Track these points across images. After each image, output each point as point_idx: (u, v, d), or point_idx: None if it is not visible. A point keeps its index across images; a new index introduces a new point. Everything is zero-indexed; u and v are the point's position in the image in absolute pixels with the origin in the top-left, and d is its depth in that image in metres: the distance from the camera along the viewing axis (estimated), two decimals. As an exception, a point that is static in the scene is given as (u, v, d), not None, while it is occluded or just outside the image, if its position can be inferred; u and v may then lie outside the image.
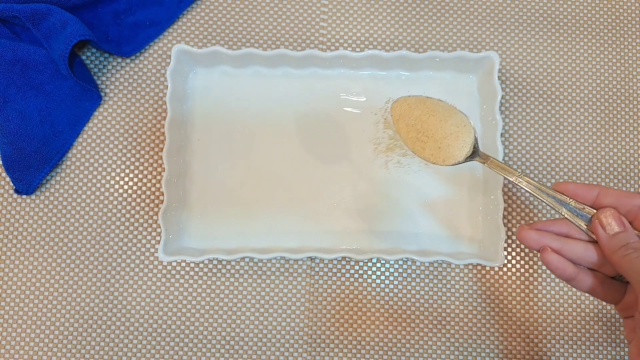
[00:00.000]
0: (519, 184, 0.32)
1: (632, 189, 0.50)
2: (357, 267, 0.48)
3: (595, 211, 0.30)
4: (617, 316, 0.48)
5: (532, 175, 0.49)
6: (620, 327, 0.48)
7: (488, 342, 0.47)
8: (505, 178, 0.33)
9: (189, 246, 0.47)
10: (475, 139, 0.35)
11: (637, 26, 0.53)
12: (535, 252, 0.49)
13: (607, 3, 0.53)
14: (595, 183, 0.25)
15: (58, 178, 0.48)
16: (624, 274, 0.28)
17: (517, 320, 0.48)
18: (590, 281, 0.31)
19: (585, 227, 0.30)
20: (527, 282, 0.48)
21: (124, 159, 0.49)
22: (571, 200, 0.31)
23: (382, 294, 0.48)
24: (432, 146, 0.35)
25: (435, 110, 0.36)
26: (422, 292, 0.48)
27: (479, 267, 0.48)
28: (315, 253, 0.45)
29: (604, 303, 0.48)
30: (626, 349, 0.48)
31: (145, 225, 0.48)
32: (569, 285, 0.48)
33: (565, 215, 0.31)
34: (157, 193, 0.49)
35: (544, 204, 0.31)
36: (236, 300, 0.47)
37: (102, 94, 0.50)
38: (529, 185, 0.32)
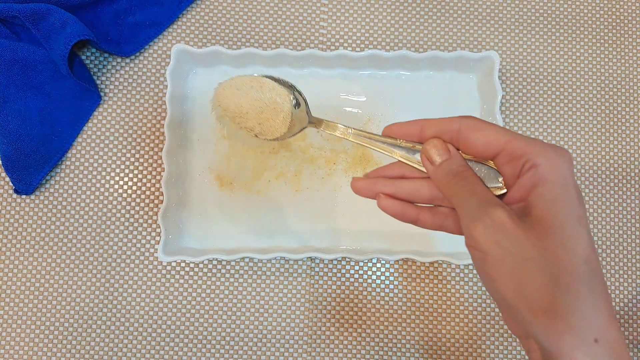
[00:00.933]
0: (349, 138, 0.31)
1: (632, 189, 0.50)
2: (357, 267, 0.48)
3: (422, 145, 0.29)
4: (617, 316, 0.48)
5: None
6: (621, 327, 0.48)
7: (488, 342, 0.47)
8: (338, 137, 0.32)
9: (189, 246, 0.47)
10: (303, 106, 0.34)
11: (637, 26, 0.52)
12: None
13: (607, 3, 0.53)
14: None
15: (58, 178, 0.48)
16: (451, 203, 0.27)
17: (517, 320, 0.48)
18: (435, 218, 0.29)
19: (417, 164, 0.29)
20: (527, 282, 0.48)
21: (123, 159, 0.49)
22: (401, 141, 0.29)
23: (382, 294, 0.48)
24: (253, 123, 0.35)
25: (247, 89, 0.35)
26: (422, 292, 0.48)
27: (479, 267, 0.48)
28: (315, 253, 0.45)
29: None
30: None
31: (145, 225, 0.48)
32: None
33: (399, 158, 0.29)
34: (157, 193, 0.49)
35: (379, 153, 0.30)
36: (236, 301, 0.47)
37: (102, 94, 0.50)
38: (359, 137, 0.31)
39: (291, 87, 0.35)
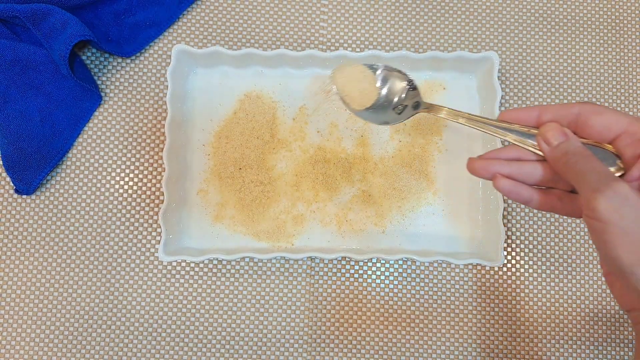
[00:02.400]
0: (466, 124, 0.33)
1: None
2: (357, 267, 0.48)
3: (538, 129, 0.30)
4: (618, 316, 0.48)
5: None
6: (620, 327, 0.48)
7: (488, 342, 0.48)
8: (450, 121, 0.34)
9: (189, 246, 0.47)
10: (408, 89, 0.37)
11: (637, 26, 0.53)
12: (535, 253, 0.49)
13: (607, 3, 0.53)
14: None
15: (58, 178, 0.49)
16: (569, 181, 0.28)
17: (517, 320, 0.48)
18: (548, 200, 0.31)
19: (533, 147, 0.30)
20: (527, 282, 0.48)
21: (124, 159, 0.49)
22: (515, 125, 0.31)
23: (382, 294, 0.48)
24: (355, 99, 0.38)
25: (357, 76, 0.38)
26: (422, 292, 0.48)
27: (478, 267, 0.48)
28: (315, 253, 0.45)
29: (604, 303, 0.48)
30: (626, 349, 0.48)
31: (145, 225, 0.48)
32: (568, 285, 0.48)
33: (512, 141, 0.31)
34: (157, 193, 0.49)
35: (492, 136, 0.31)
36: (236, 300, 0.48)
37: (103, 94, 0.50)
38: (473, 122, 0.32)
39: (404, 76, 0.38)
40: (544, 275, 0.48)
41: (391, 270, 0.48)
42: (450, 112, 0.34)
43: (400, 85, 0.37)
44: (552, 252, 0.49)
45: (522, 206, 0.49)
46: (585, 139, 0.29)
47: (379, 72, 0.38)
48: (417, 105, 0.37)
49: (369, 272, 0.48)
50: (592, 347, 0.48)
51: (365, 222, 0.48)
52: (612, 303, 0.48)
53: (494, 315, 0.48)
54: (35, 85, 0.47)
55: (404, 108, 0.37)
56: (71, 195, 0.48)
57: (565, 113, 0.29)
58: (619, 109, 0.51)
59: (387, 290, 0.48)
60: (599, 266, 0.49)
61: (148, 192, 0.49)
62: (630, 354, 0.48)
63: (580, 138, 0.29)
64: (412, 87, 0.37)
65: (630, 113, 0.51)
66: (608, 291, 0.49)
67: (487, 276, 0.48)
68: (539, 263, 0.49)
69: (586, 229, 0.49)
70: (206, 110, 0.49)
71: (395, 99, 0.37)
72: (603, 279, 0.49)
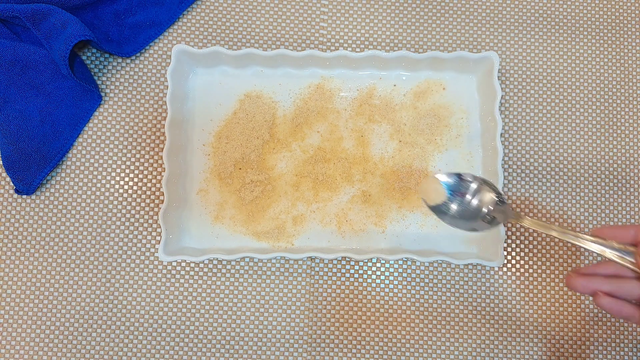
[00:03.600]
0: (558, 237, 0.33)
1: (631, 189, 0.50)
2: (357, 267, 0.48)
3: (636, 248, 0.31)
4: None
5: (532, 184, 0.50)
6: (620, 327, 0.48)
7: (488, 342, 0.48)
8: (546, 235, 0.35)
9: (189, 246, 0.47)
10: (505, 205, 0.38)
11: (637, 26, 0.53)
12: (535, 253, 0.49)
13: (607, 3, 0.53)
14: (632, 223, 0.26)
15: (58, 178, 0.49)
16: None
17: (517, 320, 0.48)
18: None
19: (631, 265, 0.31)
20: (527, 282, 0.48)
21: (124, 159, 0.49)
22: (612, 242, 0.31)
23: (382, 294, 0.48)
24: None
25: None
26: (422, 292, 0.48)
27: (479, 267, 0.48)
28: (315, 253, 0.45)
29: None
30: (626, 349, 0.48)
31: (145, 225, 0.48)
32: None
33: (612, 257, 0.31)
34: (157, 193, 0.49)
35: (587, 250, 0.32)
36: (236, 300, 0.48)
37: (103, 94, 0.50)
38: (566, 235, 0.33)
39: (491, 188, 0.39)
40: (544, 275, 0.48)
41: (391, 270, 0.48)
42: (540, 224, 0.35)
43: (489, 197, 0.39)
44: (552, 252, 0.49)
45: (523, 206, 0.49)
46: None
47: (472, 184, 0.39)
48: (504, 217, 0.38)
49: (369, 272, 0.48)
50: (592, 347, 0.48)
51: (365, 222, 0.48)
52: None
53: (493, 316, 0.48)
54: (35, 85, 0.47)
55: (492, 219, 0.38)
56: (71, 195, 0.48)
57: None
58: (618, 108, 0.51)
59: (387, 290, 0.48)
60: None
61: (148, 192, 0.49)
62: (631, 354, 0.48)
63: None
64: (501, 201, 0.38)
65: (630, 113, 0.51)
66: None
67: (487, 276, 0.48)
68: (539, 263, 0.49)
69: (586, 229, 0.49)
70: (206, 110, 0.49)
71: (485, 210, 0.39)
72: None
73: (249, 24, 0.51)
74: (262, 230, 0.48)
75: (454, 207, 0.39)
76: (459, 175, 0.40)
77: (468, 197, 0.39)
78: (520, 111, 0.51)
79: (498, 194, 0.39)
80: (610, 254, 0.31)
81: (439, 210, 0.40)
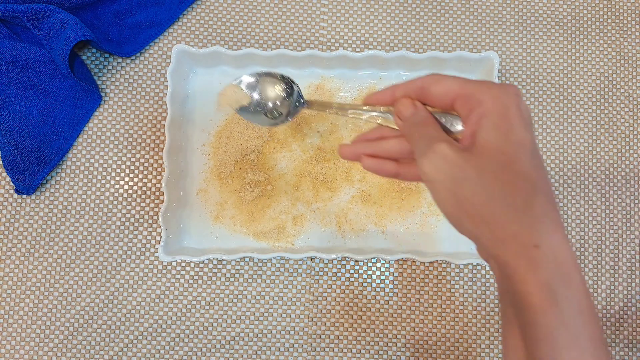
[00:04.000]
0: (335, 112, 0.34)
1: (631, 189, 0.50)
2: (357, 267, 0.48)
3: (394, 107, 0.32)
4: (618, 316, 0.48)
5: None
6: (620, 327, 0.48)
7: (488, 342, 0.48)
8: (328, 113, 0.36)
9: (189, 246, 0.47)
10: (294, 93, 0.38)
11: (637, 26, 0.53)
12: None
13: (607, 3, 0.53)
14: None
15: (58, 178, 0.49)
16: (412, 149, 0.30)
17: (517, 320, 0.48)
18: (413, 170, 0.32)
19: (393, 124, 0.32)
20: (527, 282, 0.48)
21: (124, 159, 0.49)
22: (379, 107, 0.32)
23: (382, 293, 0.48)
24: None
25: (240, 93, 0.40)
26: (422, 292, 0.48)
27: (478, 267, 0.48)
28: (315, 253, 0.45)
29: (604, 303, 0.48)
30: (626, 349, 0.48)
31: (145, 225, 0.48)
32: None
33: (379, 122, 0.32)
34: (157, 193, 0.49)
35: (362, 120, 0.33)
36: (236, 300, 0.48)
37: (103, 94, 0.50)
38: (343, 110, 0.34)
39: (281, 79, 0.39)
40: (543, 275, 0.48)
41: (391, 270, 0.48)
42: (320, 103, 0.36)
43: (274, 92, 0.39)
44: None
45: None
46: (433, 108, 0.30)
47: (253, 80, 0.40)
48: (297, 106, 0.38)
49: (369, 272, 0.48)
50: (592, 347, 0.47)
51: (365, 222, 0.48)
52: (612, 303, 0.48)
53: (493, 316, 0.48)
54: (35, 85, 0.47)
55: (280, 114, 0.39)
56: (71, 195, 0.48)
57: (412, 87, 0.30)
58: (618, 109, 0.51)
59: (387, 290, 0.48)
60: (599, 266, 0.49)
61: (148, 192, 0.49)
62: (630, 354, 0.48)
63: (431, 108, 0.30)
64: (288, 93, 0.39)
65: (630, 113, 0.51)
66: (608, 291, 0.49)
67: (487, 276, 0.48)
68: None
69: (586, 229, 0.49)
70: (206, 110, 0.49)
71: (270, 105, 0.39)
72: (603, 278, 0.49)
73: (249, 24, 0.51)
74: (262, 230, 0.48)
75: (250, 107, 0.40)
76: (258, 75, 0.40)
77: (256, 95, 0.39)
78: (520, 111, 0.51)
79: (289, 90, 0.39)
80: (377, 117, 0.32)
81: (243, 110, 0.40)
